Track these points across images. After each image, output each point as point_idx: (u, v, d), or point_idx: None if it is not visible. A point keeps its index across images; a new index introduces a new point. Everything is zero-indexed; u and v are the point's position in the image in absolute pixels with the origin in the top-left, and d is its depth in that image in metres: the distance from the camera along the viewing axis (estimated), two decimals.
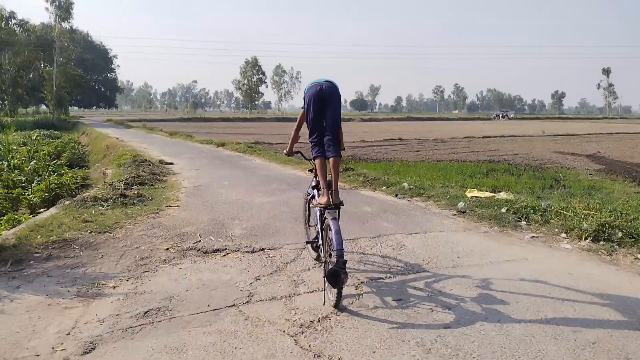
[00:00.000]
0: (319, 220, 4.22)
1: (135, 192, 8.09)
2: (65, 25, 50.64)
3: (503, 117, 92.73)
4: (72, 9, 49.83)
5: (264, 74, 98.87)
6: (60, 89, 52.91)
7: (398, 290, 4.05)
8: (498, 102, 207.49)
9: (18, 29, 50.17)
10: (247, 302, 3.81)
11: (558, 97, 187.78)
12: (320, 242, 4.22)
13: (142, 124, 42.57)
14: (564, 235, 5.81)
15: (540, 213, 6.58)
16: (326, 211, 3.93)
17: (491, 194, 7.77)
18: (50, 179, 10.12)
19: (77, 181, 12.33)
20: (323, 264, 3.97)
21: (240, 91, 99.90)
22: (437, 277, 4.36)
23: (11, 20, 49.54)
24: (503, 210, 6.88)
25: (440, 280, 4.26)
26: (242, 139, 26.33)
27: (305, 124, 4.47)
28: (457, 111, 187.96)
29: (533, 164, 14.91)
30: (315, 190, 4.48)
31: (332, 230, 3.65)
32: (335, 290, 3.62)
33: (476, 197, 7.70)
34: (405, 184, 8.94)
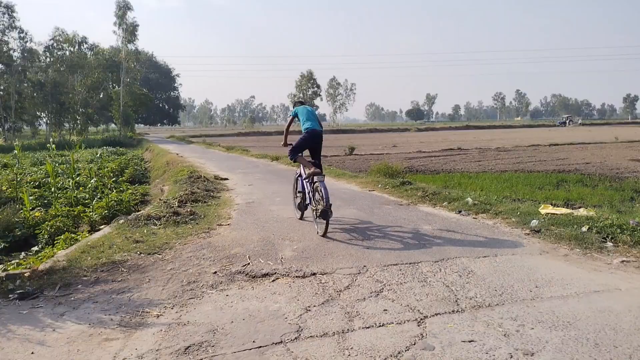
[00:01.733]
0: (309, 186, 6.69)
1: (188, 210, 8.00)
2: (131, 46, 53.48)
3: (569, 123, 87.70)
4: (136, 32, 52.62)
5: (318, 86, 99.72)
6: (127, 107, 55.83)
7: (469, 329, 3.50)
8: (564, 107, 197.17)
9: (89, 52, 53.54)
10: (296, 338, 3.42)
11: (630, 100, 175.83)
12: (308, 201, 6.68)
13: (202, 140, 43.83)
14: None
15: (629, 233, 5.76)
16: (316, 177, 6.43)
17: (569, 211, 6.96)
18: (110, 196, 10.33)
19: (137, 198, 12.60)
20: (314, 211, 6.40)
21: None
22: (513, 312, 3.77)
23: (83, 45, 53.01)
24: (584, 229, 6.11)
25: (517, 317, 3.67)
26: None
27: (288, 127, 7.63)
28: (519, 118, 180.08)
29: (608, 174, 13.85)
30: (302, 169, 7.09)
31: (322, 188, 6.11)
32: (324, 224, 6.08)
33: (551, 214, 6.92)
34: (469, 199, 8.28)
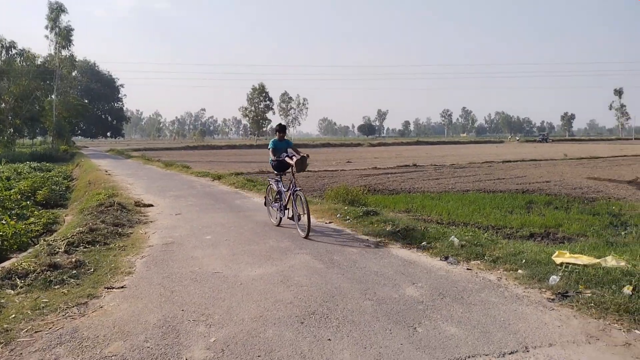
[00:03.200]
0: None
1: (74, 259, 5.67)
2: (66, 52, 49.29)
3: (547, 140, 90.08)
4: (71, 36, 48.53)
5: (271, 100, 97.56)
6: (61, 119, 51.32)
7: None
8: (507, 124, 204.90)
9: (18, 58, 48.82)
10: None
11: (567, 118, 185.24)
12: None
13: (142, 154, 40.58)
14: None
15: None
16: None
17: (593, 260, 5.23)
18: None
19: (37, 229, 10.03)
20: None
21: (247, 118, 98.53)
22: None
23: (11, 50, 48.25)
24: (626, 290, 4.36)
25: None
26: (245, 167, 24.20)
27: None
28: (465, 134, 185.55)
29: (573, 194, 13.20)
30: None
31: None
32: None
33: (570, 264, 5.17)
34: (454, 239, 6.44)
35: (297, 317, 3.95)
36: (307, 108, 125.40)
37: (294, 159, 7.36)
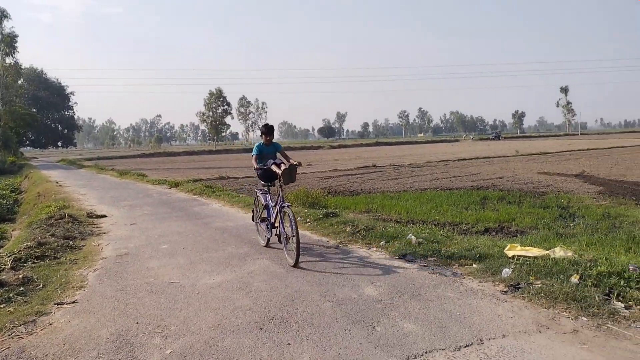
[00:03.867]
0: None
1: (21, 275, 5.40)
2: (10, 60, 47.04)
3: (499, 138, 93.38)
4: (15, 43, 46.37)
5: (229, 104, 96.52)
6: (8, 129, 48.89)
7: None
8: (462, 124, 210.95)
9: None
10: None
11: (518, 116, 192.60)
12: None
13: (95, 163, 39.21)
14: None
15: (636, 285, 4.29)
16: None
17: (542, 251, 5.44)
18: None
19: None
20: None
21: (205, 123, 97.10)
22: None
23: None
24: (574, 280, 4.57)
25: None
26: (205, 173, 23.79)
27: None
28: (422, 134, 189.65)
29: (525, 189, 13.62)
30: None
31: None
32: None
33: (521, 256, 5.36)
34: (412, 237, 6.56)
35: (257, 323, 3.91)
36: (266, 112, 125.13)
37: (282, 167, 6.12)
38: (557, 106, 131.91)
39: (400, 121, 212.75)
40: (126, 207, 11.61)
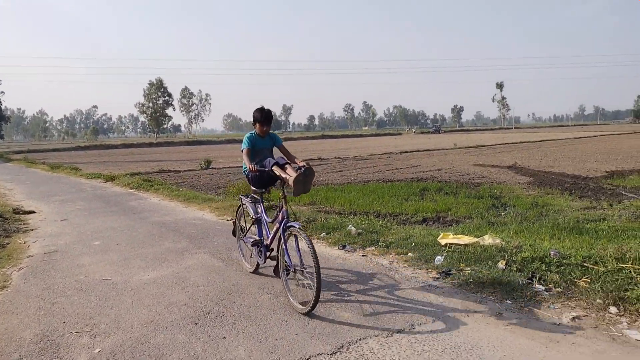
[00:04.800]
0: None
1: None
2: None
3: (439, 131, 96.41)
4: None
5: (170, 95, 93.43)
6: None
7: None
8: (404, 117, 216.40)
9: None
10: None
11: (457, 110, 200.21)
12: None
13: (24, 157, 36.82)
14: (614, 309, 3.81)
15: (555, 269, 4.60)
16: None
17: (472, 239, 5.71)
18: None
19: None
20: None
21: (145, 115, 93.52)
22: None
23: None
24: (501, 265, 4.83)
25: None
26: (144, 167, 22.99)
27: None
28: (366, 127, 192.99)
29: (461, 180, 14.22)
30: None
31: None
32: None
33: (453, 244, 5.60)
34: (352, 228, 6.67)
35: (192, 318, 3.83)
36: (210, 104, 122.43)
37: (288, 170, 4.26)
38: (493, 101, 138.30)
39: (346, 114, 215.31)
40: (57, 203, 11.00)
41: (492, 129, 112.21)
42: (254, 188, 4.76)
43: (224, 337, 3.47)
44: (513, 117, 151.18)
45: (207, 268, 5.26)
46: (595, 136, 45.55)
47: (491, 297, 4.20)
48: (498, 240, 5.60)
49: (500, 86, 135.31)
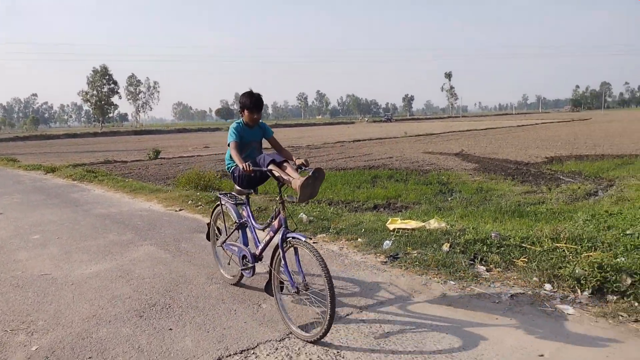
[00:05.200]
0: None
1: None
2: None
3: (391, 120, 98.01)
4: None
5: (115, 83, 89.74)
6: None
7: None
8: (357, 106, 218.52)
9: None
10: None
11: (408, 99, 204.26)
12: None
13: None
14: (548, 286, 4.04)
15: (496, 250, 4.81)
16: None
17: (419, 223, 5.87)
18: None
19: None
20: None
21: (89, 103, 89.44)
22: None
23: None
24: (445, 248, 5.00)
25: None
26: (89, 157, 22.06)
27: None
28: (320, 116, 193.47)
29: (412, 167, 14.57)
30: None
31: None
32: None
33: (401, 229, 5.73)
34: (303, 215, 6.69)
35: (136, 311, 3.73)
36: (158, 92, 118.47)
37: (289, 171, 3.47)
38: (442, 90, 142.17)
39: (299, 103, 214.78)
40: None
41: (441, 118, 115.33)
42: (239, 188, 4.02)
43: (170, 329, 3.41)
44: (461, 106, 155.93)
45: (154, 260, 5.12)
46: (536, 124, 47.81)
47: (435, 278, 4.34)
48: (443, 224, 5.78)
49: (448, 76, 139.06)
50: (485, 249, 4.84)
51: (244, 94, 3.92)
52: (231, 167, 4.02)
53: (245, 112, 3.90)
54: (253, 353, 3.05)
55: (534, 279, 4.15)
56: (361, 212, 7.93)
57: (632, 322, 3.38)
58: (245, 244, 4.04)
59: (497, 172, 12.64)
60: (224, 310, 3.73)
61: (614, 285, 3.78)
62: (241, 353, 3.05)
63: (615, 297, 3.71)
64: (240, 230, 4.10)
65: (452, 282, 4.23)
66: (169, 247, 5.64)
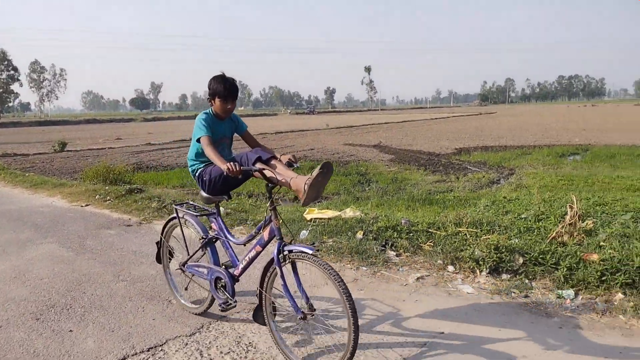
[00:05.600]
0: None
1: None
2: None
3: (313, 112, 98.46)
4: None
5: (16, 70, 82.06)
6: None
7: None
8: (280, 98, 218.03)
9: None
10: None
11: (330, 92, 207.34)
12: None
13: None
14: (451, 268, 4.32)
15: (405, 236, 5.04)
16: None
17: (335, 213, 6.00)
18: None
19: None
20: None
21: None
22: None
23: None
24: (359, 235, 5.15)
25: None
26: None
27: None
28: (242, 108, 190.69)
29: (332, 158, 14.88)
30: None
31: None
32: None
33: (318, 219, 5.82)
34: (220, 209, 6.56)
35: (32, 313, 3.47)
36: (65, 80, 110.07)
37: (280, 170, 2.86)
38: (362, 84, 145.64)
39: None
40: None
41: (361, 111, 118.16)
42: (207, 195, 3.25)
43: (71, 330, 3.21)
44: (380, 100, 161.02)
45: (54, 259, 4.78)
46: (448, 117, 50.59)
47: (349, 264, 4.47)
48: (358, 213, 5.95)
49: (368, 70, 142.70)
50: (395, 235, 5.05)
51: (214, 79, 3.15)
52: (198, 168, 3.24)
53: (217, 100, 3.13)
54: (161, 350, 2.96)
55: (439, 261, 4.41)
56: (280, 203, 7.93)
57: (523, 297, 3.70)
58: (216, 263, 3.30)
59: (411, 163, 13.21)
60: (131, 308, 3.57)
61: (508, 264, 4.12)
62: (148, 351, 2.95)
63: (509, 276, 4.05)
64: (208, 248, 3.34)
65: (364, 268, 4.38)
66: (72, 244, 5.29)
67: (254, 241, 3.07)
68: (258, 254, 3.05)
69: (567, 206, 4.66)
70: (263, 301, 2.90)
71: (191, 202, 3.61)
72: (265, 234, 2.97)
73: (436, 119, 47.32)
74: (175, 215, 3.56)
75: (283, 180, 2.78)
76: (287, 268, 2.79)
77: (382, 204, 7.43)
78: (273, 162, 2.92)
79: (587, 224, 4.54)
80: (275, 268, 2.81)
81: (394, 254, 4.71)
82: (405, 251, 4.76)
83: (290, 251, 2.74)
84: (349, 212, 5.94)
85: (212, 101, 3.16)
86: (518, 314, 3.40)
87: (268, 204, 2.86)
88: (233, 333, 3.16)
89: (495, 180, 10.12)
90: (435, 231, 5.01)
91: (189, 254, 3.49)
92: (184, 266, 3.54)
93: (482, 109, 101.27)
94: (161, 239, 3.73)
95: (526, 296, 3.70)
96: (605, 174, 9.65)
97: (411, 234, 5.05)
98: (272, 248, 2.84)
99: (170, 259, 3.79)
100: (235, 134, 3.38)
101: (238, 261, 3.18)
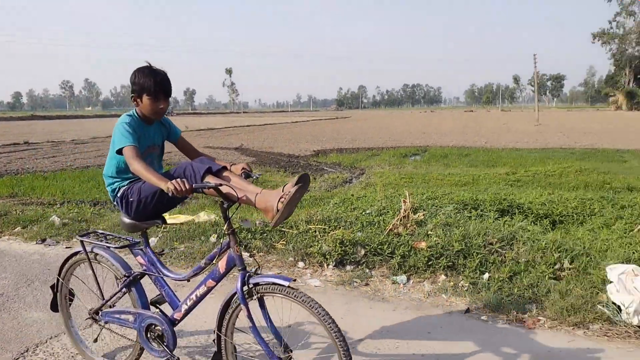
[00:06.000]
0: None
1: None
2: None
3: (172, 114, 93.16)
4: None
5: None
6: None
7: None
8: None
9: None
10: None
11: (190, 93, 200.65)
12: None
13: None
14: (301, 264, 4.51)
15: (259, 235, 5.12)
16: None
17: (189, 217, 5.81)
18: None
19: None
20: None
21: None
22: None
23: None
24: (212, 239, 5.10)
25: None
26: None
27: None
28: (90, 108, 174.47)
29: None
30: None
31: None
32: None
33: (170, 224, 5.59)
34: (56, 218, 5.92)
35: None
36: None
37: (236, 183, 2.30)
38: (224, 86, 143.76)
39: (63, 92, 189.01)
40: None
41: (223, 113, 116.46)
42: (132, 222, 2.54)
43: None
44: (242, 103, 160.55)
45: None
46: (308, 121, 52.49)
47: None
48: (212, 216, 5.87)
49: (229, 72, 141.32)
50: (250, 236, 5.10)
51: (140, 71, 2.49)
52: (120, 187, 2.57)
53: (145, 98, 2.47)
54: None
55: (290, 258, 4.57)
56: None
57: (363, 285, 4.02)
58: (145, 305, 2.63)
59: (272, 165, 13.45)
60: None
61: (352, 256, 4.44)
62: None
63: (352, 267, 4.36)
64: (133, 287, 2.64)
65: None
66: None
67: (202, 275, 2.49)
68: (209, 289, 2.42)
69: (402, 201, 5.18)
70: (222, 349, 2.36)
71: (100, 231, 2.90)
72: (222, 264, 2.38)
73: (297, 122, 48.73)
74: (79, 249, 2.76)
75: (244, 198, 2.23)
76: (252, 305, 2.25)
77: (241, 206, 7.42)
78: (225, 173, 2.35)
79: (418, 215, 5.09)
80: (238, 305, 2.27)
81: (247, 254, 4.75)
82: (259, 251, 4.83)
83: (256, 284, 2.23)
84: (203, 216, 5.83)
85: (138, 100, 2.51)
86: (359, 301, 3.69)
87: (225, 228, 2.29)
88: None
89: (348, 179, 10.80)
90: (287, 229, 5.17)
91: (103, 298, 2.76)
92: (96, 314, 2.79)
93: (339, 113, 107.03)
94: (58, 280, 2.88)
95: (366, 284, 4.03)
96: (439, 171, 10.94)
97: (265, 234, 5.14)
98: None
99: (70, 304, 2.97)
100: (167, 141, 2.76)
101: (179, 301, 2.52)
